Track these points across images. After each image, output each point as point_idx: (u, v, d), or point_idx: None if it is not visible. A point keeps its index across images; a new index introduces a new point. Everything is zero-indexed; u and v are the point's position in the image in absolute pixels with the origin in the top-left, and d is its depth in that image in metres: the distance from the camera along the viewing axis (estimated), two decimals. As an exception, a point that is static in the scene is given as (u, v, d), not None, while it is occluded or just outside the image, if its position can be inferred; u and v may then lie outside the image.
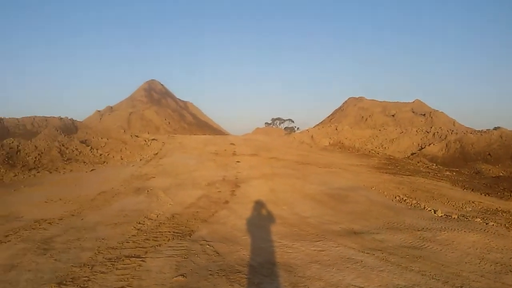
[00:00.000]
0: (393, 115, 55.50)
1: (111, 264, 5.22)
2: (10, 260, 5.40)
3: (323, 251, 5.89)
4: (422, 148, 23.71)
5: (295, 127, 78.12)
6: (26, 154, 16.79)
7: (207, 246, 6.08)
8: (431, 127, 29.59)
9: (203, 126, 77.74)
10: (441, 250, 5.90)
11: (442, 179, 14.97)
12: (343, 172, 15.37)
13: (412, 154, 23.59)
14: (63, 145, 18.57)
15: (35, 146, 17.63)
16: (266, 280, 4.70)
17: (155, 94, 79.52)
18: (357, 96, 66.43)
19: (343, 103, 68.31)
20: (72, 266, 5.16)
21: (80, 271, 4.97)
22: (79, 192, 10.82)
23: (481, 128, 26.79)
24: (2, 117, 21.80)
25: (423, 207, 9.25)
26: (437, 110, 54.27)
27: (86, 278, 4.70)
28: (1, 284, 4.54)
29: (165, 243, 6.22)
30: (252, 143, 26.11)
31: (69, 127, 22.83)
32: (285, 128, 78.04)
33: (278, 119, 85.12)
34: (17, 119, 22.16)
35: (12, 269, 5.05)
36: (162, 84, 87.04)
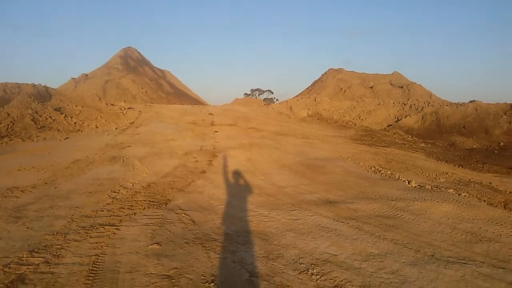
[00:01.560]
0: (371, 87, 55.74)
1: (85, 232, 5.15)
2: (-20, 228, 5.28)
3: (298, 220, 5.94)
4: (398, 120, 23.95)
5: (274, 98, 78.20)
6: (-2, 121, 16.33)
7: (183, 215, 6.06)
8: (408, 99, 29.87)
9: (182, 95, 76.85)
10: (414, 219, 6.02)
11: (417, 151, 15.21)
12: (320, 143, 15.46)
13: (388, 125, 23.83)
14: (36, 113, 18.10)
15: (8, 113, 17.16)
16: (242, 248, 4.72)
17: (132, 62, 77.71)
18: (336, 68, 66.36)
19: (323, 74, 68.13)
20: (45, 234, 5.07)
21: (53, 239, 4.89)
22: (52, 160, 10.60)
23: (458, 102, 27.16)
24: (-29, 83, 21.05)
25: (397, 178, 9.40)
26: (414, 83, 54.69)
27: (59, 246, 4.63)
28: (-29, 252, 4.45)
29: (140, 212, 6.18)
30: (231, 113, 25.96)
31: (42, 94, 22.20)
32: (264, 99, 77.91)
33: (258, 90, 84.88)
34: (-13, 85, 21.40)
35: (-18, 237, 4.94)
36: (139, 52, 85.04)
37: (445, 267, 4.22)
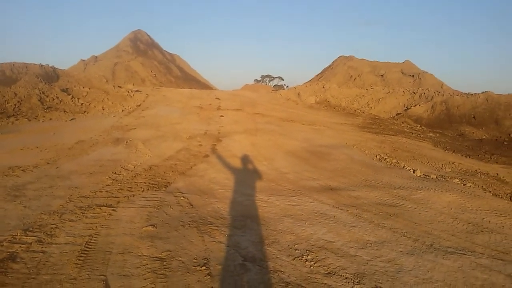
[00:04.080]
0: (382, 75, 55.16)
1: (81, 212, 5.13)
2: (-23, 205, 5.28)
3: (297, 205, 5.87)
4: (407, 109, 23.64)
5: (285, 85, 77.82)
6: (5, 101, 16.39)
7: (182, 198, 6.02)
8: (419, 88, 29.49)
9: (190, 80, 76.66)
10: (415, 208, 5.92)
11: (424, 140, 15.02)
12: (326, 130, 15.32)
13: (397, 114, 23.55)
14: (43, 93, 18.12)
15: (15, 93, 17.19)
16: (238, 233, 4.67)
17: (141, 45, 77.52)
18: (347, 55, 65.68)
19: (333, 61, 67.51)
20: (41, 213, 5.05)
21: (49, 218, 4.87)
22: (56, 140, 10.60)
23: (469, 92, 26.78)
24: (-21, 62, 21.11)
25: (402, 166, 9.27)
26: (426, 72, 54.03)
27: (54, 226, 4.60)
28: (-35, 229, 4.44)
29: (139, 194, 6.14)
30: (238, 98, 25.83)
31: (50, 75, 22.23)
32: (274, 85, 77.61)
33: (268, 76, 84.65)
34: (-5, 64, 21.45)
35: (-22, 214, 4.94)
36: (148, 35, 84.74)
37: (443, 257, 4.13)
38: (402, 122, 20.92)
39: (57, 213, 5.09)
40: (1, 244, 4.04)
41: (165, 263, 3.79)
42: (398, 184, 7.44)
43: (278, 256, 4.05)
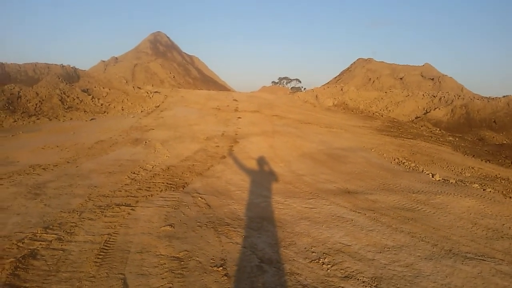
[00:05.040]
0: (401, 78, 54.71)
1: (101, 211, 5.20)
2: (0, 203, 5.39)
3: (314, 208, 5.85)
4: (427, 112, 23.40)
5: (302, 87, 77.76)
6: (27, 100, 16.71)
7: (199, 199, 6.05)
8: (438, 92, 29.13)
9: (209, 81, 77.11)
10: (434, 213, 5.85)
11: (443, 144, 14.84)
12: (344, 133, 15.25)
13: (416, 117, 23.33)
14: (64, 93, 18.43)
15: (36, 93, 17.52)
16: (254, 234, 4.67)
17: (161, 47, 78.41)
18: (366, 58, 65.26)
19: (352, 64, 67.17)
20: (61, 211, 5.14)
21: (69, 216, 4.95)
22: (76, 140, 10.78)
23: (490, 96, 26.33)
24: (3, 63, 21.55)
25: (421, 171, 9.17)
26: (446, 75, 53.37)
27: (73, 224, 4.68)
28: (-12, 225, 4.54)
29: (157, 194, 6.20)
30: (256, 100, 25.87)
31: (71, 75, 22.60)
32: (291, 87, 77.58)
33: (285, 78, 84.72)
34: (18, 65, 21.88)
35: (1, 212, 5.04)
36: (168, 37, 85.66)
37: (462, 263, 4.08)
38: (421, 126, 20.70)
39: (77, 211, 5.17)
40: (22, 241, 4.12)
41: (182, 263, 3.82)
42: (416, 188, 7.36)
43: (295, 259, 4.04)
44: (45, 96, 17.50)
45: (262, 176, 8.06)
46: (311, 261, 4.00)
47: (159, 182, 6.92)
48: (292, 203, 6.06)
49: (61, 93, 18.27)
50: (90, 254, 3.89)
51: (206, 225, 4.91)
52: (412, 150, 12.34)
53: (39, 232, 4.38)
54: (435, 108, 23.31)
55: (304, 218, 5.38)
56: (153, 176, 7.35)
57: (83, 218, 4.92)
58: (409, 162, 10.08)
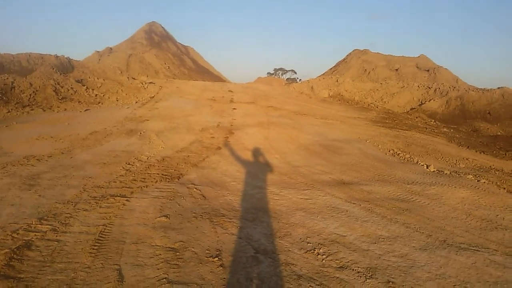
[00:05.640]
0: (396, 70, 54.67)
1: (95, 202, 5.18)
2: (-6, 194, 5.37)
3: (309, 199, 5.86)
4: (422, 104, 23.41)
5: (297, 78, 77.64)
6: (21, 91, 16.57)
7: (194, 190, 6.05)
8: (434, 83, 29.15)
9: (204, 72, 76.73)
10: (428, 204, 5.87)
11: (438, 135, 14.89)
12: (339, 124, 15.25)
13: (411, 109, 23.35)
14: (58, 84, 18.29)
15: (30, 83, 17.37)
16: (249, 225, 4.68)
17: (156, 37, 77.79)
18: (361, 49, 65.11)
19: (347, 55, 67.02)
20: (56, 202, 5.12)
21: (63, 207, 4.94)
22: (71, 131, 10.72)
23: (485, 87, 26.38)
24: (-4, 52, 21.31)
25: (416, 162, 9.20)
26: (441, 67, 53.40)
27: (68, 215, 4.66)
28: (-18, 216, 4.52)
29: (152, 185, 6.19)
30: (251, 91, 25.81)
31: (65, 66, 22.39)
32: (287, 79, 77.45)
33: (281, 69, 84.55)
34: (12, 55, 21.61)
35: (-5, 202, 5.02)
36: (163, 27, 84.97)
37: (456, 253, 4.10)
38: (416, 117, 20.74)
39: (72, 202, 5.15)
40: (17, 232, 4.10)
41: (178, 253, 3.82)
42: (411, 179, 7.39)
43: (290, 249, 4.05)
44: (39, 86, 17.35)
45: (258, 167, 8.05)
46: (306, 252, 4.01)
47: (154, 173, 6.91)
48: (288, 194, 6.06)
49: (55, 83, 18.12)
50: (85, 245, 3.88)
51: (202, 216, 4.91)
52: (407, 141, 12.38)
53: (33, 223, 4.36)
54: (430, 100, 23.32)
55: (299, 209, 5.38)
56: (148, 167, 7.33)
57: (78, 209, 4.90)
58: (404, 153, 10.11)
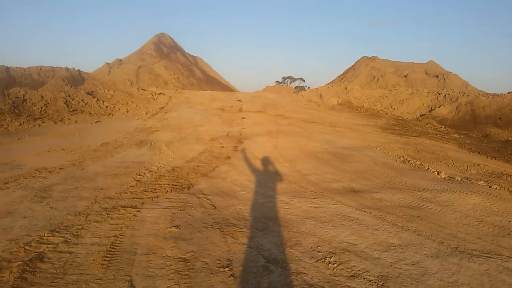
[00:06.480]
0: (405, 76, 54.49)
1: (107, 213, 5.22)
2: (6, 206, 5.43)
3: (320, 208, 5.85)
4: (432, 110, 23.27)
5: (306, 86, 77.66)
6: (32, 103, 16.81)
7: (205, 200, 6.07)
8: (443, 89, 29.00)
9: (212, 82, 77.18)
10: (440, 211, 5.83)
11: (449, 141, 14.77)
12: (349, 132, 15.22)
13: (421, 115, 23.22)
14: (69, 96, 18.52)
15: (41, 96, 17.61)
16: (260, 234, 4.68)
17: (165, 48, 78.54)
18: (370, 56, 65.11)
19: (356, 62, 67.05)
20: (67, 214, 5.17)
21: (75, 219, 4.98)
22: (82, 142, 10.83)
23: (495, 92, 26.16)
24: (8, 66, 21.65)
25: (426, 168, 9.13)
26: (450, 72, 53.14)
27: (80, 227, 4.70)
28: (-4, 229, 4.57)
29: (162, 195, 6.22)
30: (260, 100, 25.90)
31: (75, 78, 22.66)
32: (295, 87, 77.54)
33: (289, 77, 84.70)
34: (23, 68, 21.97)
35: (8, 215, 5.08)
36: (171, 38, 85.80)
37: (469, 260, 4.06)
38: (426, 123, 20.61)
39: (83, 214, 5.20)
40: (29, 244, 4.14)
41: (189, 264, 3.83)
42: (422, 186, 7.34)
43: (300, 258, 4.04)
44: (50, 99, 17.59)
45: (267, 176, 8.06)
46: (317, 261, 4.00)
47: (164, 184, 6.94)
48: (297, 203, 6.06)
49: (66, 96, 18.35)
50: (96, 256, 3.91)
51: (212, 226, 4.93)
52: (417, 148, 12.30)
53: (45, 235, 4.41)
54: (440, 106, 23.18)
55: (309, 218, 5.37)
56: (159, 178, 7.38)
57: (89, 220, 4.94)
58: (415, 160, 10.04)
